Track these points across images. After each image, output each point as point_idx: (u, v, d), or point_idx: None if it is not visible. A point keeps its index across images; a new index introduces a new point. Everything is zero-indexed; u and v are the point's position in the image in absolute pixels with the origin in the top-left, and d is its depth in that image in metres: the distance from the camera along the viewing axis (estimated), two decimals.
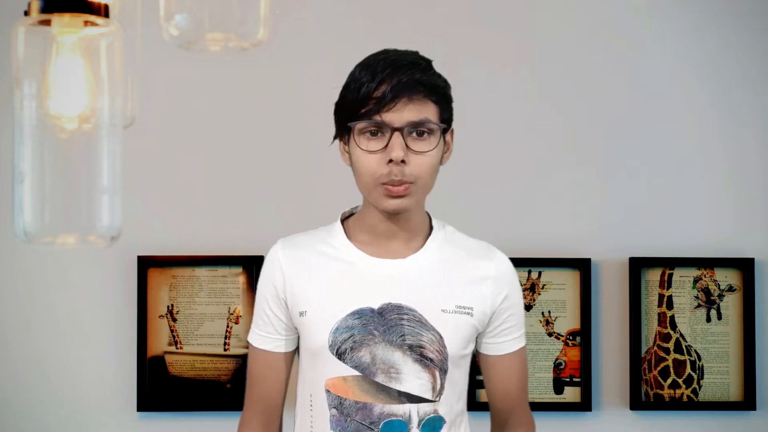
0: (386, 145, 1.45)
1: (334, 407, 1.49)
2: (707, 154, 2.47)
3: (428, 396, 1.49)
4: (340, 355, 1.48)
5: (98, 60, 0.96)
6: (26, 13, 0.93)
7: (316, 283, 1.53)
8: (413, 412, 1.48)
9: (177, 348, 2.38)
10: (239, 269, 2.39)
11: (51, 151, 0.94)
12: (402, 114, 1.45)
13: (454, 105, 1.56)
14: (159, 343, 2.38)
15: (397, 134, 1.45)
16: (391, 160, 1.44)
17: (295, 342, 1.58)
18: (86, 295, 2.41)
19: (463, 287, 1.53)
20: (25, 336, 2.40)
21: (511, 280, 1.59)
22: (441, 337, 1.49)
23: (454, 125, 1.57)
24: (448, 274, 1.54)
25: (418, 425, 1.48)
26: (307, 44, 2.41)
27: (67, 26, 0.94)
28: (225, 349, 2.39)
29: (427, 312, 1.50)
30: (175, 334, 2.38)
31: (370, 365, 1.47)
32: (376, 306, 1.49)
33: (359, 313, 1.49)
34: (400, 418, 1.47)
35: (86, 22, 0.94)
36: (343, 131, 1.52)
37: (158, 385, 2.37)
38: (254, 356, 1.60)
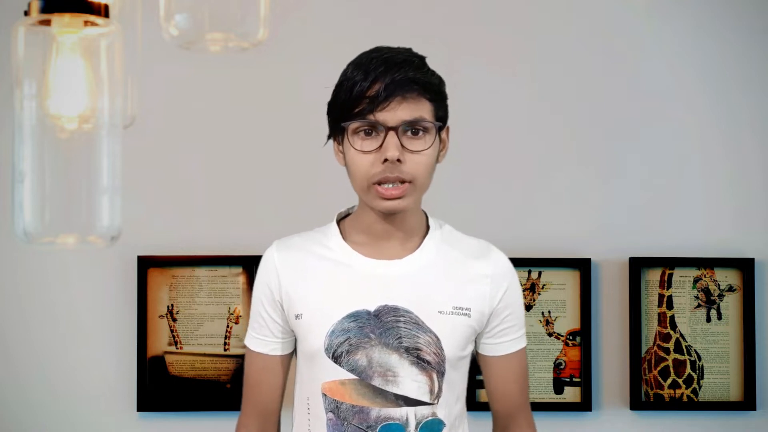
0: (381, 145, 1.43)
1: (331, 411, 1.47)
2: (707, 154, 2.47)
3: (426, 399, 1.47)
4: (336, 358, 1.47)
5: (98, 60, 0.96)
6: (26, 13, 0.93)
7: (311, 286, 1.51)
8: (410, 415, 1.46)
9: (177, 348, 2.38)
10: (239, 269, 2.39)
11: (51, 151, 0.94)
12: (396, 113, 1.43)
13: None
14: (159, 343, 2.38)
15: (391, 134, 1.43)
16: (386, 160, 1.42)
17: (292, 345, 1.57)
18: (86, 295, 2.41)
19: (460, 287, 1.52)
20: (25, 336, 2.40)
21: (510, 279, 1.57)
22: (438, 338, 1.48)
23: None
24: (444, 275, 1.52)
25: (416, 428, 1.47)
26: (307, 44, 2.41)
27: (67, 26, 0.94)
28: (225, 349, 2.39)
29: (424, 313, 1.48)
30: (175, 334, 2.38)
31: (366, 368, 1.46)
32: (372, 308, 1.48)
33: (355, 316, 1.47)
34: (397, 422, 1.46)
35: (86, 22, 0.94)
36: (336, 131, 1.51)
37: (158, 385, 2.37)
38: (251, 359, 1.58)
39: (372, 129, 1.44)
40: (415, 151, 1.44)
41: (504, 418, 1.62)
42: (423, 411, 1.47)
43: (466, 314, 1.51)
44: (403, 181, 1.44)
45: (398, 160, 1.43)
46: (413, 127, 1.45)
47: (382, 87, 1.42)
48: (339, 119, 1.48)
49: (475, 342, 1.57)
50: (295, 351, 1.58)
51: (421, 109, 1.45)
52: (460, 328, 1.50)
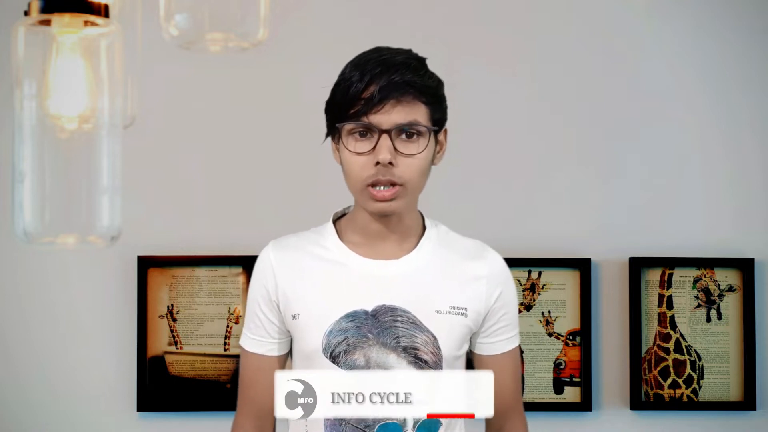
0: (374, 147, 1.43)
1: None
2: (707, 154, 2.47)
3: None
4: (333, 358, 1.47)
5: (98, 60, 0.96)
6: (26, 13, 0.93)
7: (308, 286, 1.51)
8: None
9: (177, 348, 2.38)
10: (239, 269, 2.39)
11: (51, 151, 0.94)
12: (390, 116, 1.43)
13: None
14: (159, 343, 2.38)
15: (384, 136, 1.43)
16: (378, 163, 1.43)
17: (287, 345, 1.57)
18: (86, 295, 2.41)
19: (456, 287, 1.52)
20: (25, 336, 2.40)
21: (505, 279, 1.57)
22: (435, 338, 1.48)
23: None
24: (441, 275, 1.53)
25: (413, 427, 1.47)
26: (307, 44, 2.41)
27: (67, 26, 0.94)
28: (225, 349, 2.39)
29: (421, 313, 1.48)
30: (175, 334, 2.38)
31: (364, 368, 1.46)
32: (369, 308, 1.48)
33: (353, 316, 1.48)
34: (395, 421, 1.46)
35: (86, 22, 0.94)
36: (332, 131, 1.51)
37: (158, 385, 2.37)
38: (246, 360, 1.58)
39: (366, 131, 1.45)
40: (408, 155, 1.44)
41: (498, 418, 1.61)
42: None
43: (462, 314, 1.51)
44: (394, 184, 1.45)
45: (390, 163, 1.43)
46: (407, 131, 1.45)
47: (377, 89, 1.42)
48: (335, 119, 1.48)
49: (470, 341, 1.58)
50: (290, 351, 1.58)
51: (415, 113, 1.45)
52: (457, 327, 1.51)
